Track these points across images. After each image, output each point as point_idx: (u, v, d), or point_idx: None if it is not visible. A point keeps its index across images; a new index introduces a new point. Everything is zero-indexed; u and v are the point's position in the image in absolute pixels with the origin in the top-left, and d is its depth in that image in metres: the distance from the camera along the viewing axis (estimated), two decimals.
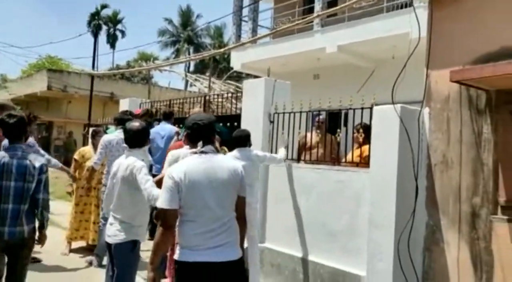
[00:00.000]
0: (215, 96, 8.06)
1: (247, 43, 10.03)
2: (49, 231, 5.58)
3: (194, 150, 2.58)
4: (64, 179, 6.00)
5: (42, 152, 5.23)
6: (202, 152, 2.54)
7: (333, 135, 5.01)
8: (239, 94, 6.94)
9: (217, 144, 3.47)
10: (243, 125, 5.53)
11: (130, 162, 3.14)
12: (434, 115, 3.90)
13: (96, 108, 17.04)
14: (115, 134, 5.17)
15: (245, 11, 11.52)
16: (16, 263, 3.17)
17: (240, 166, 2.66)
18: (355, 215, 4.29)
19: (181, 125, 5.83)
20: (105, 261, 4.49)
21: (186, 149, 4.18)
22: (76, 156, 5.93)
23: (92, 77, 14.81)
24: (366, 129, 4.43)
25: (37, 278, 4.45)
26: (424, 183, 3.90)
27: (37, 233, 3.28)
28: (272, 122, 5.36)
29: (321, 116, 5.24)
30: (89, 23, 40.97)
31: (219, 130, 4.25)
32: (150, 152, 5.08)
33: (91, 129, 6.64)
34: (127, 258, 3.13)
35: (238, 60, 11.06)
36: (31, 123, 5.33)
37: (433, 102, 3.92)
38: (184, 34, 39.61)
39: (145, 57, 38.36)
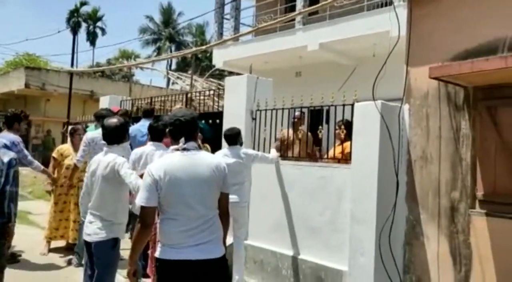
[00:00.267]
0: (197, 94, 8.02)
1: (229, 40, 10.00)
2: (28, 230, 5.51)
3: (175, 146, 2.55)
4: (43, 178, 5.88)
5: (25, 152, 5.14)
6: (184, 149, 2.50)
7: (311, 132, 5.04)
8: (221, 91, 6.92)
9: (199, 141, 3.45)
10: (225, 123, 5.52)
11: (110, 159, 3.09)
12: (413, 111, 3.95)
13: (76, 107, 16.72)
14: (98, 132, 5.09)
15: (227, 9, 11.50)
16: None
17: (223, 162, 2.64)
18: (337, 211, 4.32)
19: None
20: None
21: (150, 146, 4.15)
22: (54, 154, 5.82)
23: (71, 74, 14.51)
24: (348, 126, 4.47)
25: (15, 278, 4.36)
26: (404, 178, 3.95)
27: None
28: (254, 119, 5.36)
29: (296, 113, 5.25)
30: (68, 20, 40.27)
31: (202, 127, 4.24)
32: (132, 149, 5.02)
33: (70, 128, 6.52)
34: (108, 257, 3.08)
35: (220, 58, 11.03)
36: (20, 122, 5.26)
37: (412, 99, 3.97)
38: (166, 32, 39.26)
39: (126, 55, 37.90)
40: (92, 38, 43.56)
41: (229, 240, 4.11)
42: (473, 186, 3.55)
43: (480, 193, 3.52)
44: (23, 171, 7.33)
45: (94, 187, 3.16)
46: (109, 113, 5.27)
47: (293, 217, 4.78)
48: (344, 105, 4.42)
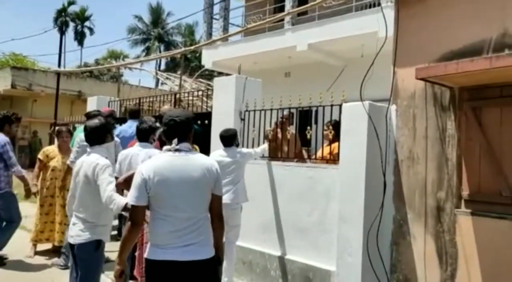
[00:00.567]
0: (186, 94, 7.99)
1: (217, 41, 9.99)
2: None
3: (168, 147, 2.54)
4: (28, 180, 5.81)
5: (10, 154, 5.08)
6: (176, 150, 2.49)
7: (300, 132, 5.05)
8: (210, 92, 6.90)
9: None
10: (214, 123, 5.51)
11: (93, 160, 3.07)
12: (401, 112, 3.99)
13: (64, 107, 16.56)
14: None
15: (216, 9, 11.48)
16: None
17: (215, 164, 2.61)
18: (325, 211, 4.34)
19: None
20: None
21: (136, 147, 4.14)
22: (40, 156, 5.75)
23: (58, 75, 14.34)
24: (336, 126, 4.49)
25: (1, 281, 4.30)
26: (391, 178, 3.98)
27: None
28: (243, 119, 5.36)
29: (285, 112, 5.25)
30: (56, 19, 39.87)
31: (196, 128, 4.21)
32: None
33: (56, 129, 6.46)
34: (91, 259, 3.05)
35: (209, 59, 11.00)
36: (12, 124, 5.21)
37: (399, 100, 4.00)
38: (155, 32, 39.07)
39: (114, 55, 37.63)
40: (80, 38, 43.23)
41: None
42: (459, 185, 3.59)
43: (465, 193, 3.56)
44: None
45: (77, 188, 3.13)
46: (100, 114, 5.24)
47: (281, 218, 4.79)
48: (332, 105, 4.44)
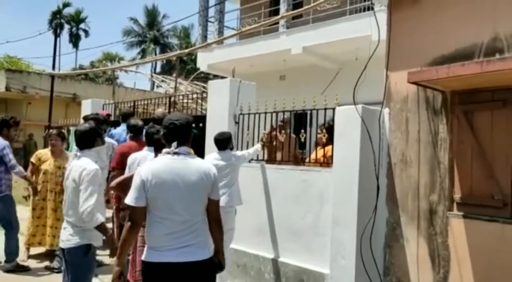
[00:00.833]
0: (181, 97, 7.99)
1: (212, 43, 10.00)
2: None
3: (167, 150, 2.55)
4: (24, 183, 5.80)
5: (10, 157, 5.11)
6: (175, 153, 2.51)
7: (297, 135, 5.07)
8: (204, 95, 6.91)
9: None
10: (208, 126, 5.52)
11: (81, 164, 3.07)
12: (393, 115, 4.01)
13: (58, 110, 16.51)
14: None
15: (212, 12, 11.50)
16: None
17: (213, 169, 2.63)
18: (318, 214, 4.35)
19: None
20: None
21: (145, 151, 4.14)
22: (32, 159, 5.73)
23: (52, 77, 14.33)
24: (330, 129, 4.50)
25: None
26: (384, 181, 4.00)
27: None
28: (237, 123, 5.37)
29: (285, 115, 5.27)
30: (51, 22, 39.72)
31: (195, 132, 4.22)
32: None
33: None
34: (81, 263, 3.04)
35: (204, 61, 11.02)
36: (10, 128, 5.24)
37: (392, 103, 4.03)
38: (150, 34, 39.04)
39: (110, 58, 37.57)
40: (75, 40, 43.13)
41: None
42: (451, 188, 3.62)
43: (457, 196, 3.59)
44: None
45: (67, 192, 3.14)
46: (98, 118, 5.29)
47: (275, 221, 4.79)
48: (325, 109, 4.46)
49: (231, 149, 4.63)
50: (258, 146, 4.99)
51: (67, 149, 6.88)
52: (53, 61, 18.15)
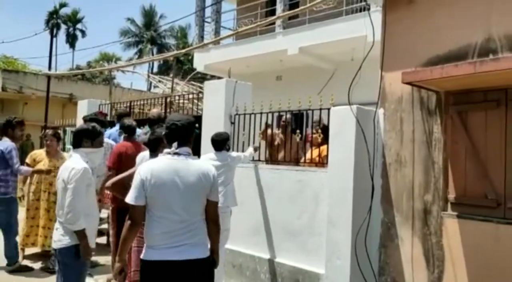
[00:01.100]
0: (177, 98, 7.99)
1: (209, 44, 10.01)
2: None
3: (168, 150, 2.56)
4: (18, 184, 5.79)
5: (15, 160, 5.14)
6: (175, 153, 2.54)
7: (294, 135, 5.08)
8: (201, 95, 6.91)
9: None
10: (204, 127, 5.51)
11: (71, 164, 3.09)
12: (388, 115, 4.02)
13: (55, 110, 16.50)
14: None
15: (208, 13, 11.49)
16: None
17: (213, 170, 2.65)
18: (314, 214, 4.36)
19: (141, 127, 5.75)
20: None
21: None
22: (27, 160, 5.72)
23: (48, 78, 14.30)
24: (325, 130, 4.51)
25: None
26: (379, 181, 4.01)
27: None
28: (233, 123, 5.37)
29: (288, 116, 5.27)
30: (47, 22, 39.61)
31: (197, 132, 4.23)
32: None
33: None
34: (73, 263, 3.04)
35: (201, 62, 11.01)
36: (14, 128, 5.24)
37: (387, 103, 4.04)
38: (147, 34, 39.00)
39: (107, 58, 37.53)
40: (71, 40, 43.02)
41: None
42: (445, 188, 3.63)
43: (451, 196, 3.60)
44: None
45: (59, 192, 3.14)
46: (97, 118, 5.30)
47: (271, 221, 4.80)
48: (321, 109, 4.47)
49: (227, 149, 4.63)
50: (251, 150, 4.97)
51: (63, 149, 6.88)
52: (50, 62, 18.11)
